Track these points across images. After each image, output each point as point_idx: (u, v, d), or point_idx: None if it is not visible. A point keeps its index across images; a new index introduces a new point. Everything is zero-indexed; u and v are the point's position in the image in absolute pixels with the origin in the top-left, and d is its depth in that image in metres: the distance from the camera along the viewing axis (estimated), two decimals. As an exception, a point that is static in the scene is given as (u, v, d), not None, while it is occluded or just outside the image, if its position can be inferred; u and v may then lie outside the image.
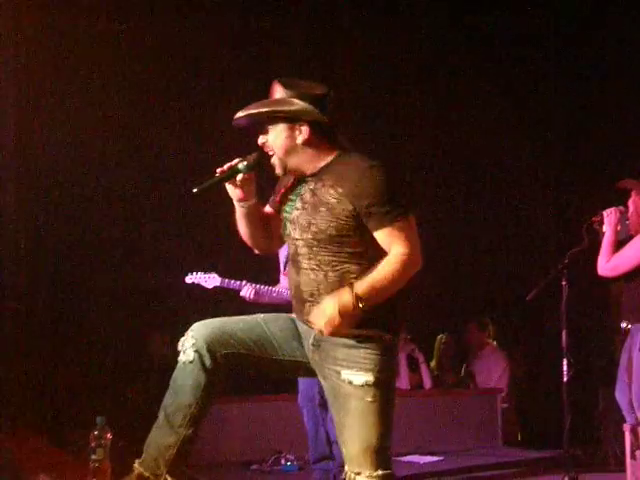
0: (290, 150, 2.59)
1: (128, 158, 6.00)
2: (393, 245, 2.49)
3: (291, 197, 2.65)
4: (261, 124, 2.62)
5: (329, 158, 2.61)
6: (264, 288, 4.54)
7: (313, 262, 2.56)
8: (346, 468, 2.56)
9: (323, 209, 2.53)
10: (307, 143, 2.58)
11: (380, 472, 2.51)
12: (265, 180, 2.74)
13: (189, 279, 4.78)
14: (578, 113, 6.89)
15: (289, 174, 2.67)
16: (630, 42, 6.35)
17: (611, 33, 6.49)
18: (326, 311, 2.47)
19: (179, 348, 2.64)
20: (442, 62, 6.85)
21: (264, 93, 2.67)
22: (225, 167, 2.63)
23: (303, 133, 2.58)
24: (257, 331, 2.66)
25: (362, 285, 2.46)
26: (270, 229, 2.76)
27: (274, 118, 2.59)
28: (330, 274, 2.54)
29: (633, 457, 3.96)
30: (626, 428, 4.06)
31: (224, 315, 2.74)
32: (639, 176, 4.40)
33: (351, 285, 2.47)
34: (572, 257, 4.42)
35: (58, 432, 4.90)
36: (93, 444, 2.88)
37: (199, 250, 5.98)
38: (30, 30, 5.52)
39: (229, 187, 2.65)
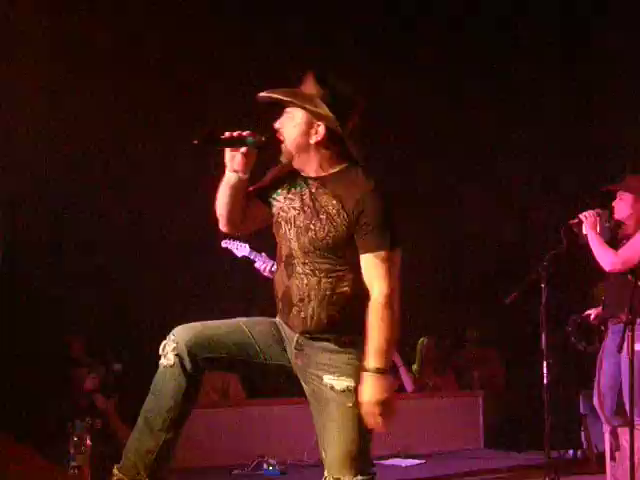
0: (301, 146, 2.56)
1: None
2: (374, 280, 2.49)
3: (289, 195, 2.62)
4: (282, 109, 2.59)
5: (337, 167, 2.58)
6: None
7: (308, 267, 2.54)
8: (325, 473, 2.56)
9: (323, 217, 2.52)
10: (319, 145, 2.55)
11: (360, 477, 2.51)
12: (260, 163, 2.69)
13: (224, 243, 5.02)
14: (557, 113, 6.95)
15: (291, 167, 2.63)
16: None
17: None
18: (369, 410, 2.45)
19: (160, 352, 2.61)
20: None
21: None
22: (235, 134, 2.57)
23: (319, 134, 2.54)
24: (239, 335, 2.64)
25: (374, 360, 2.46)
26: (248, 210, 2.69)
27: (296, 109, 2.56)
28: (324, 281, 2.53)
29: (613, 459, 3.99)
30: (606, 430, 4.08)
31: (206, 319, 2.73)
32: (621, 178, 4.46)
33: (365, 369, 2.46)
34: (551, 259, 4.45)
35: (37, 438, 4.85)
36: (72, 450, 2.87)
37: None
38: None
39: (229, 153, 2.59)
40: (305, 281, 2.54)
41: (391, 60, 6.67)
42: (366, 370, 2.47)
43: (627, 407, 4.12)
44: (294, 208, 2.59)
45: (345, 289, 2.52)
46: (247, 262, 5.05)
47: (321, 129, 2.54)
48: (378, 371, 2.46)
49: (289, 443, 5.38)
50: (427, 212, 6.94)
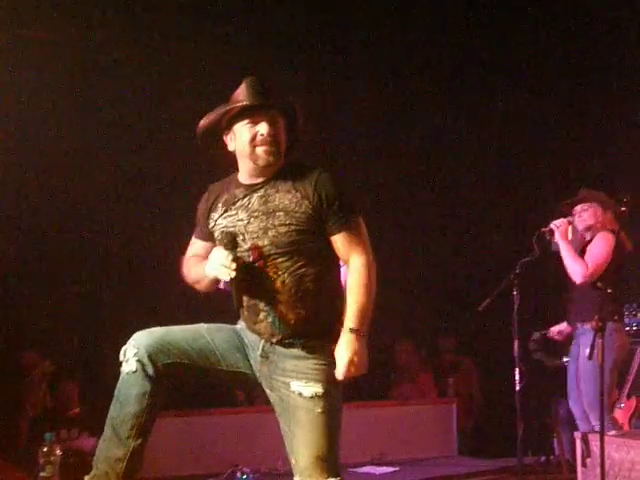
0: (282, 150, 2.63)
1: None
2: (351, 253, 2.57)
3: (228, 212, 2.63)
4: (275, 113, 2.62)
5: (279, 166, 2.63)
6: None
7: (271, 270, 2.55)
8: (296, 478, 2.57)
9: (281, 214, 2.54)
10: (286, 148, 2.65)
11: None
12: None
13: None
14: (531, 120, 7.00)
15: (217, 191, 2.68)
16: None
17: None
18: (343, 361, 2.51)
19: (121, 358, 2.61)
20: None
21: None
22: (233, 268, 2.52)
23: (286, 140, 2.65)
24: (200, 342, 2.64)
25: (353, 319, 2.52)
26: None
27: (285, 115, 2.64)
28: (287, 280, 2.54)
29: (584, 465, 4.02)
30: (577, 436, 4.12)
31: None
32: (591, 187, 4.52)
33: (343, 327, 2.52)
34: (523, 267, 4.48)
35: (8, 447, 4.81)
36: (42, 461, 2.84)
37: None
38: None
39: (222, 273, 2.52)
40: (268, 285, 2.55)
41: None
42: (344, 331, 2.52)
43: (587, 411, 4.19)
44: (240, 220, 2.60)
45: (308, 285, 2.55)
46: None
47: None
48: (354, 332, 2.51)
49: (263, 451, 5.36)
50: (403, 221, 6.99)
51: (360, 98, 6.65)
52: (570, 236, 4.42)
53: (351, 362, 2.50)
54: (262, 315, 2.58)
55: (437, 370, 6.90)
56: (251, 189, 2.62)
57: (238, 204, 2.62)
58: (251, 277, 2.57)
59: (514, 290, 4.48)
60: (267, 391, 2.64)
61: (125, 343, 2.62)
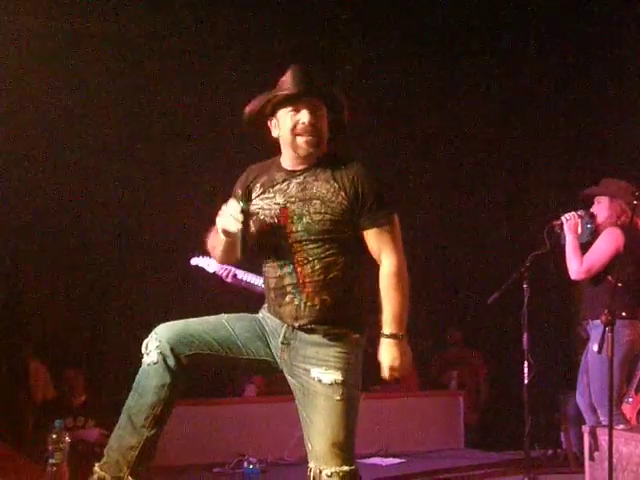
0: (324, 141, 2.67)
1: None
2: (383, 251, 2.61)
3: (266, 194, 2.66)
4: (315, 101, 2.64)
5: (322, 154, 2.66)
6: (242, 273, 4.63)
7: (300, 255, 2.59)
8: (311, 464, 2.59)
9: (317, 202, 2.58)
10: (329, 138, 2.68)
11: (346, 468, 2.55)
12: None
13: (194, 261, 4.90)
14: (538, 116, 6.97)
15: (257, 172, 2.71)
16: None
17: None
18: (384, 365, 2.60)
19: (143, 350, 2.64)
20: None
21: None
22: (224, 228, 2.58)
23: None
24: (221, 332, 2.67)
25: (389, 324, 2.58)
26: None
27: (328, 104, 2.67)
28: (317, 266, 2.57)
29: (592, 459, 4.00)
30: (585, 430, 4.10)
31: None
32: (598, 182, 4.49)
33: (383, 335, 2.58)
34: (533, 260, 4.47)
35: (15, 435, 4.82)
36: (51, 448, 2.85)
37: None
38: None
39: (230, 223, 2.55)
40: (299, 269, 2.59)
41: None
42: (383, 336, 2.58)
43: (596, 407, 4.18)
44: (276, 203, 2.64)
45: (337, 273, 2.58)
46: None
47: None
48: (394, 337, 2.58)
49: (269, 441, 5.37)
50: (410, 211, 6.96)
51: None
52: (580, 230, 4.40)
53: (392, 368, 2.59)
54: (288, 298, 2.61)
55: (442, 363, 6.88)
56: (291, 175, 2.66)
57: (277, 187, 2.66)
58: (276, 253, 2.62)
59: (524, 283, 4.46)
60: (288, 378, 2.67)
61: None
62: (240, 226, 2.52)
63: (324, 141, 2.66)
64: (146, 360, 2.62)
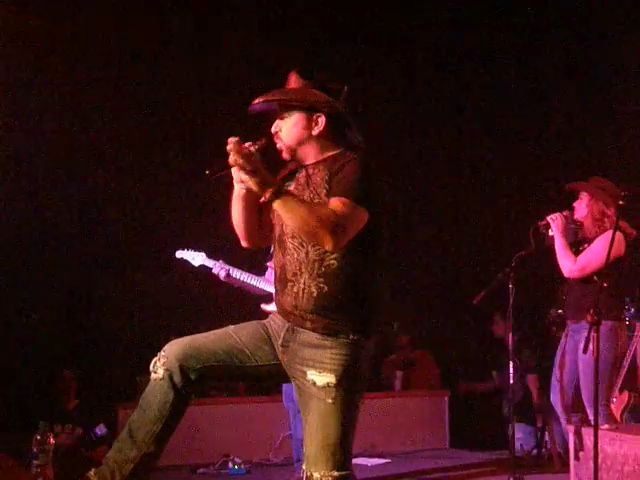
0: (303, 140, 2.65)
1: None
2: (332, 208, 2.48)
3: (287, 182, 2.68)
4: (276, 111, 2.64)
5: (332, 152, 2.66)
6: (237, 272, 4.59)
7: (297, 240, 2.60)
8: (304, 466, 2.57)
9: (312, 189, 2.59)
10: (320, 135, 2.65)
11: (336, 473, 2.52)
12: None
13: (179, 254, 4.84)
14: (524, 115, 6.99)
15: (293, 161, 2.72)
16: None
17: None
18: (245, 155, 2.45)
19: (150, 369, 2.65)
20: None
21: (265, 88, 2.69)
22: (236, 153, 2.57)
23: (319, 124, 2.64)
24: (227, 340, 2.67)
25: (289, 194, 2.49)
26: (262, 219, 2.76)
27: (291, 107, 2.63)
28: (311, 253, 2.57)
29: (577, 458, 4.02)
30: (570, 430, 4.11)
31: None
32: (587, 179, 4.49)
33: (282, 187, 2.49)
34: (519, 260, 4.47)
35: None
36: (35, 449, 2.82)
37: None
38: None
39: (235, 169, 2.55)
40: (295, 255, 2.60)
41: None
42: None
43: (586, 406, 4.18)
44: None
45: (332, 262, 2.56)
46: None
47: (321, 120, 2.64)
48: (277, 186, 2.46)
49: (254, 442, 5.37)
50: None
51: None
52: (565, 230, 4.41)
53: (244, 156, 2.45)
54: (289, 285, 2.61)
55: (390, 367, 6.87)
56: (303, 168, 2.68)
57: (294, 177, 2.69)
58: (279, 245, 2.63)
59: (509, 283, 4.47)
60: (291, 379, 2.66)
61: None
62: (254, 148, 2.47)
63: (295, 145, 2.65)
64: (153, 376, 2.64)
